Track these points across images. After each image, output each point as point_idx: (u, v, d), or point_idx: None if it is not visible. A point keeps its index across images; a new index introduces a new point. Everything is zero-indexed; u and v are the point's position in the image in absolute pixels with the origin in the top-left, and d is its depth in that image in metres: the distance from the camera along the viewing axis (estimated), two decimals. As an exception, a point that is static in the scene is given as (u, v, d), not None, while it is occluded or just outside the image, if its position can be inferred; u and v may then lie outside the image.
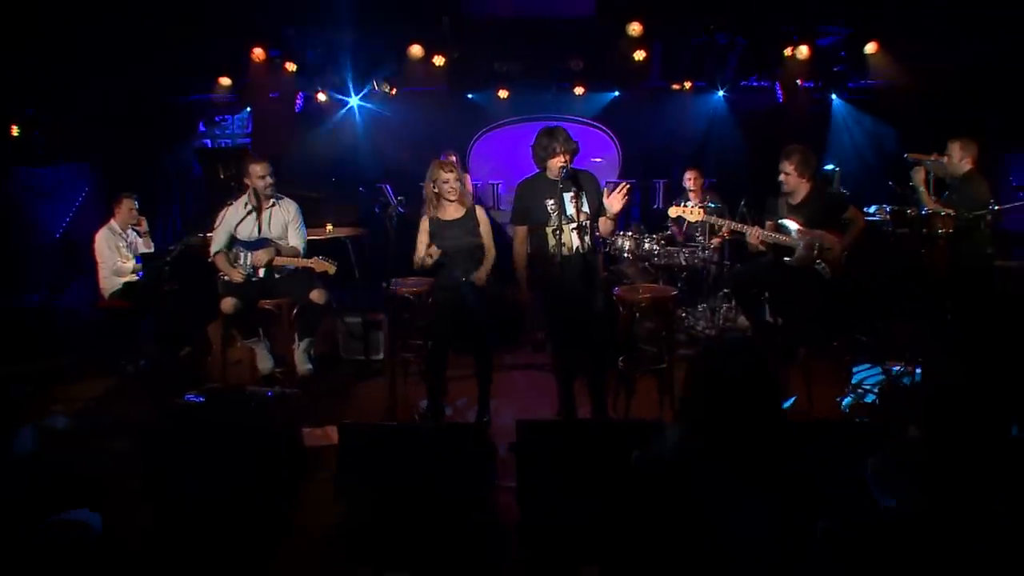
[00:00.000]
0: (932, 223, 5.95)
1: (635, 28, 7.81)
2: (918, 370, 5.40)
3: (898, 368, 5.74)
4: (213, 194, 8.36)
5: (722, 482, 2.29)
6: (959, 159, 6.35)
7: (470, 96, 9.87)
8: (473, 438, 3.96)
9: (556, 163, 4.86)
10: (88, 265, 9.76)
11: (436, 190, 5.33)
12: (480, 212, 5.49)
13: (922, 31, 8.21)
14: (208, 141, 10.85)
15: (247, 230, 5.96)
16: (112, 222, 7.47)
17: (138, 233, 7.67)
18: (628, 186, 5.01)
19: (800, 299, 5.85)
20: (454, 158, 8.80)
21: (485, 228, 5.44)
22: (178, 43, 8.76)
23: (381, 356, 7.12)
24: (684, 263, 7.62)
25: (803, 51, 8.36)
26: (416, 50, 8.14)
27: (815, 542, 2.42)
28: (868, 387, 5.76)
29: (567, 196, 4.91)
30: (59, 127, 9.59)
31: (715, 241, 7.69)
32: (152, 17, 8.14)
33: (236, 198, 6.07)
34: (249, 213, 5.92)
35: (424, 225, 5.43)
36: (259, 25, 8.61)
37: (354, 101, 9.80)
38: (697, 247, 7.65)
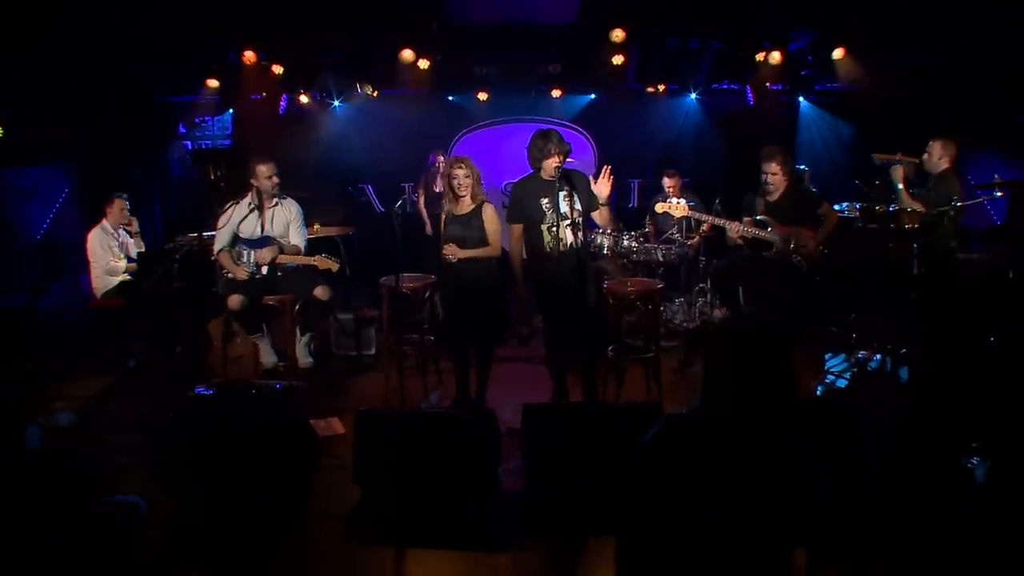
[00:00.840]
0: (899, 219, 6.31)
1: (618, 35, 8.10)
2: (887, 358, 5.76)
3: (867, 356, 6.10)
4: (207, 195, 8.44)
5: (739, 452, 2.56)
6: (938, 157, 6.71)
7: (451, 98, 10.10)
8: (482, 423, 4.20)
9: (551, 164, 5.12)
10: (70, 265, 9.87)
11: (451, 185, 5.53)
12: (487, 209, 5.59)
13: (884, 37, 8.58)
14: (188, 143, 10.95)
15: (250, 228, 6.14)
16: (104, 222, 7.57)
17: (129, 233, 7.77)
18: (611, 168, 5.29)
19: (777, 291, 6.18)
20: (442, 158, 8.99)
21: (491, 226, 5.55)
22: (160, 45, 8.81)
23: (373, 351, 7.34)
24: (661, 259, 7.92)
25: (775, 57, 8.71)
26: (407, 54, 8.33)
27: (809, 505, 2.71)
28: (839, 374, 6.11)
29: (561, 195, 5.17)
30: (39, 128, 9.60)
31: (693, 238, 8.00)
32: (134, 18, 8.16)
33: (241, 198, 6.23)
34: (252, 212, 6.10)
35: (443, 218, 5.66)
36: (244, 28, 8.69)
37: (336, 103, 9.99)
38: (674, 243, 7.97)
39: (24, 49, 8.34)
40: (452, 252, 5.43)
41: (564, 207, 5.21)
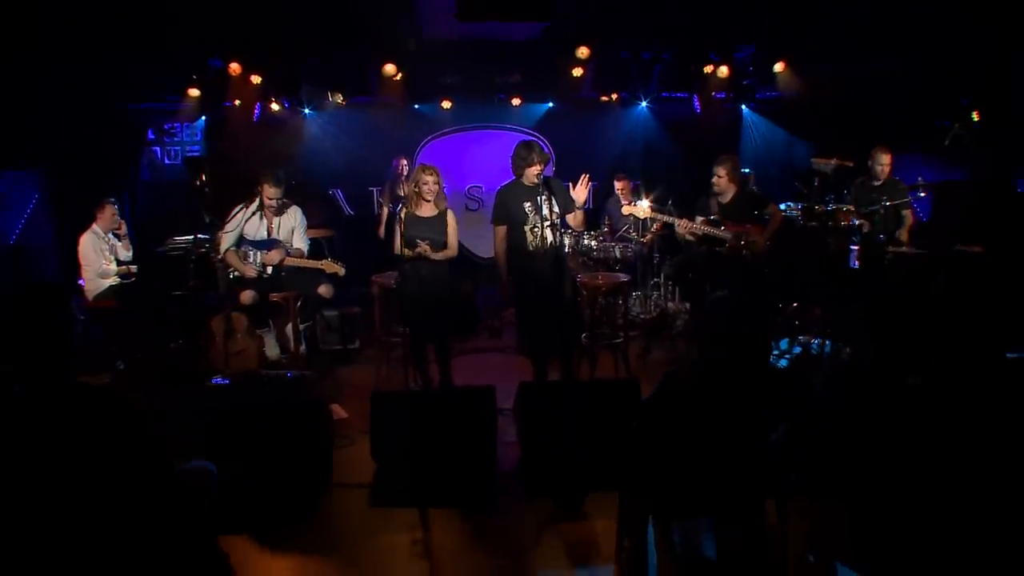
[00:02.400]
0: (836, 217, 7.09)
1: (583, 52, 8.74)
2: (827, 342, 6.50)
3: (808, 339, 6.84)
4: (189, 199, 8.76)
5: (724, 401, 3.20)
6: (887, 163, 7.62)
7: (416, 106, 10.61)
8: (483, 399, 4.79)
9: (533, 171, 5.73)
10: (43, 270, 10.12)
11: (416, 189, 6.07)
12: (451, 216, 6.19)
13: (820, 50, 9.34)
14: (157, 149, 11.25)
15: (256, 231, 6.62)
16: (95, 226, 7.84)
17: (118, 237, 8.05)
18: (588, 176, 5.91)
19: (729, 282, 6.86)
20: (404, 162, 9.58)
21: (452, 229, 6.16)
22: (132, 53, 9.07)
23: (356, 346, 7.86)
24: (619, 256, 8.56)
25: (723, 71, 9.46)
26: (390, 68, 8.85)
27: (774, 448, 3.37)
28: (785, 355, 6.83)
29: (542, 199, 5.78)
30: (7, 134, 9.79)
31: (647, 236, 8.67)
32: (105, 26, 8.36)
33: (250, 202, 6.68)
34: (260, 216, 6.58)
35: (401, 216, 6.15)
36: (224, 39, 9.04)
37: (307, 111, 10.44)
38: (630, 242, 8.64)
39: None
40: (425, 250, 5.91)
41: (545, 210, 5.82)
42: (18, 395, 2.63)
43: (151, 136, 11.19)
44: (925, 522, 3.88)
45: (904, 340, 4.02)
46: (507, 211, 5.91)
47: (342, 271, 6.60)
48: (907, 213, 7.64)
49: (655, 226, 8.33)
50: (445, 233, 6.09)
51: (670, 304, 8.72)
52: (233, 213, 6.61)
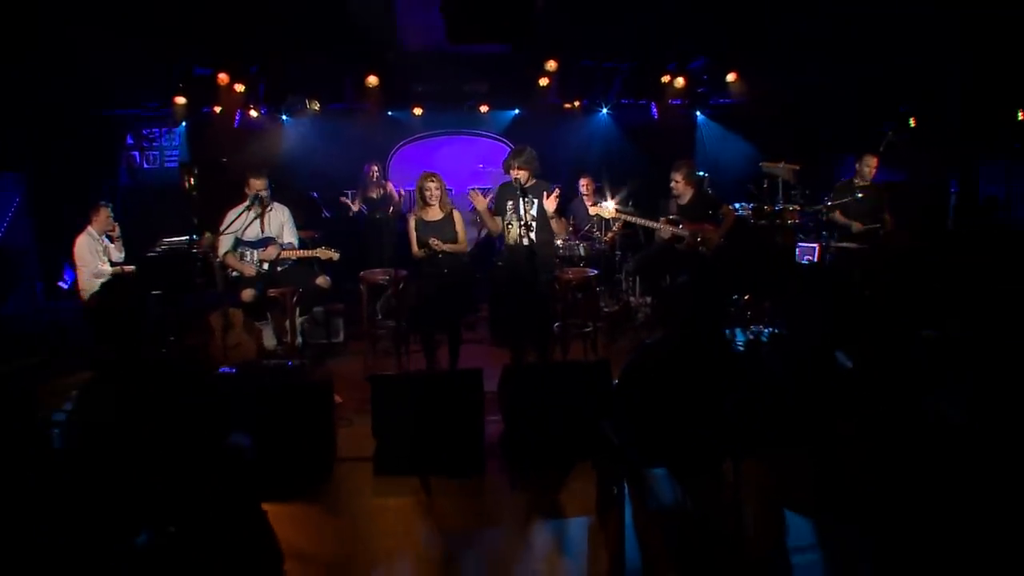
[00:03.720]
0: (783, 216, 7.80)
1: (551, 65, 9.36)
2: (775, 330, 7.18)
3: (759, 330, 7.52)
4: (177, 203, 9.16)
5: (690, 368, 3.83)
6: (874, 166, 8.31)
7: (390, 113, 11.16)
8: (472, 380, 5.37)
9: (514, 175, 6.34)
10: (26, 272, 10.45)
11: (420, 196, 6.71)
12: (457, 215, 6.87)
13: (770, 61, 10.06)
14: (136, 154, 11.64)
15: (252, 232, 7.12)
16: (90, 228, 8.19)
17: (111, 239, 8.45)
18: (559, 189, 6.53)
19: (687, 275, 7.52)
20: (375, 168, 10.15)
21: (460, 229, 6.83)
22: (114, 60, 9.33)
23: (340, 339, 8.39)
24: (583, 254, 9.17)
25: (679, 81, 10.16)
26: (372, 79, 9.39)
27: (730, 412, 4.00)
28: (737, 343, 7.50)
29: (522, 200, 6.38)
30: None
31: (609, 236, 9.29)
32: (87, 33, 8.49)
33: (239, 204, 7.17)
34: (253, 217, 7.08)
35: (412, 223, 6.78)
36: (210, 49, 9.43)
37: (285, 117, 10.93)
38: (593, 240, 9.27)
39: None
40: (438, 245, 6.55)
41: (521, 210, 6.42)
42: (107, 365, 3.15)
43: (130, 141, 11.56)
44: (856, 469, 4.58)
45: (837, 321, 4.70)
46: (500, 206, 6.61)
47: (336, 256, 7.11)
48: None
49: (616, 225, 8.95)
50: (455, 231, 6.73)
51: (632, 299, 9.35)
52: (228, 218, 7.08)
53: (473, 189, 6.52)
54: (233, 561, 3.51)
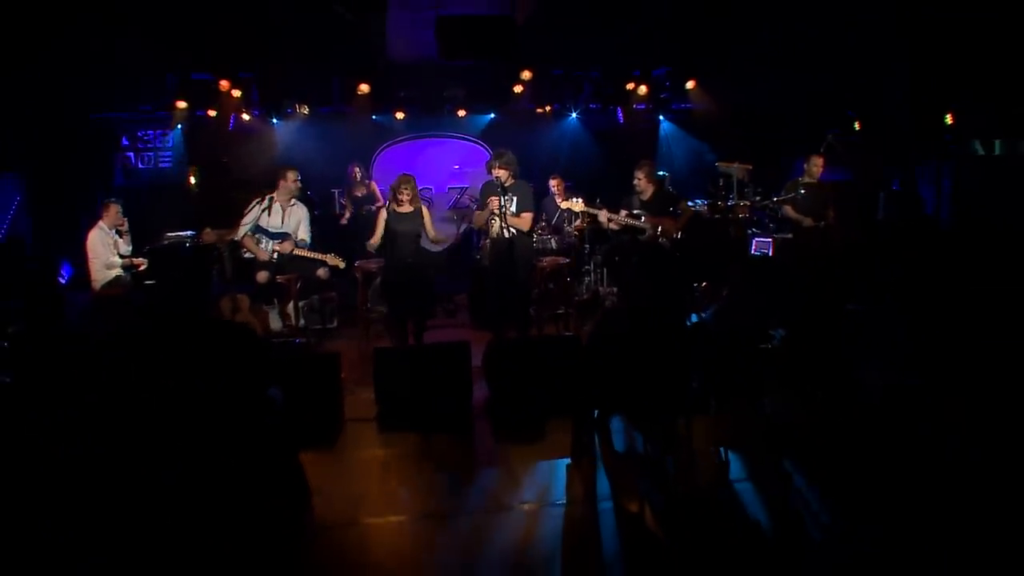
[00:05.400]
0: (735, 211, 8.70)
1: (526, 75, 10.20)
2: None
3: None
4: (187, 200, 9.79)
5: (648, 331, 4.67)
6: (820, 165, 9.15)
7: (374, 117, 11.92)
8: (462, 350, 6.18)
9: (495, 174, 7.14)
10: (26, 266, 10.98)
11: (397, 192, 7.48)
12: (425, 210, 7.65)
13: (727, 69, 10.94)
14: (131, 154, 12.24)
15: (274, 222, 7.94)
16: (101, 223, 8.84)
17: (119, 233, 9.11)
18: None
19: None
20: (358, 169, 10.96)
21: (428, 220, 7.62)
22: (110, 66, 9.97)
23: (334, 325, 9.14)
24: (554, 247, 10.00)
25: (643, 89, 11.03)
26: (364, 87, 10.16)
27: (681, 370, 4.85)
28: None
29: (503, 198, 7.18)
30: None
31: (576, 225, 10.07)
32: (87, 37, 9.05)
33: (265, 197, 7.93)
34: (270, 208, 7.85)
35: (382, 215, 7.55)
36: (199, 52, 10.09)
37: (275, 120, 11.64)
38: (564, 235, 10.09)
39: None
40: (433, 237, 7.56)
41: (503, 207, 7.22)
42: (174, 325, 3.90)
43: (125, 143, 12.16)
44: (789, 424, 5.48)
45: (772, 299, 5.59)
46: (482, 202, 7.39)
47: (342, 264, 7.91)
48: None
49: (581, 219, 9.73)
50: (421, 223, 7.50)
51: (600, 288, 10.18)
52: (252, 205, 7.82)
53: (493, 197, 7.28)
54: (274, 492, 4.28)
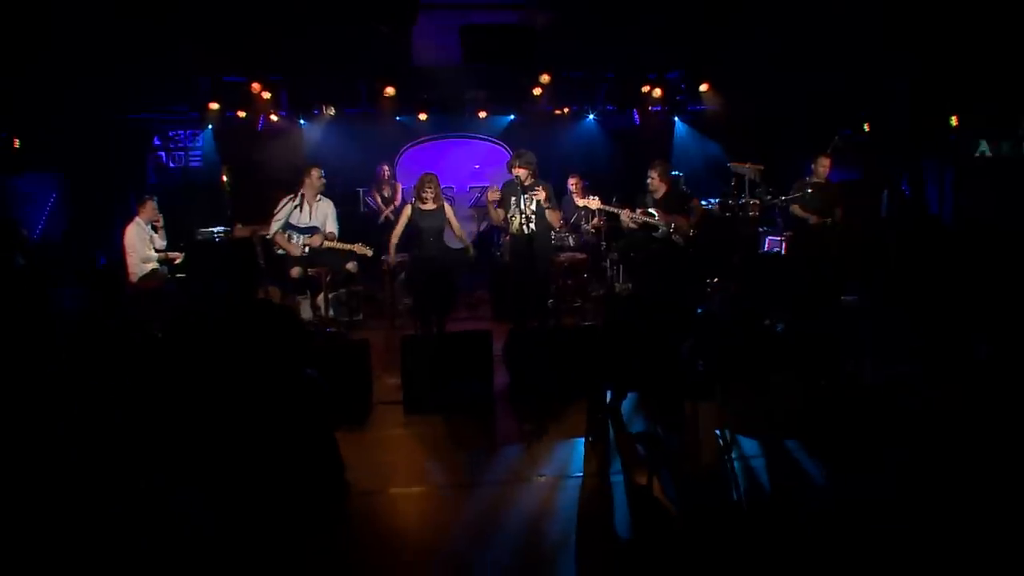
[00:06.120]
0: (745, 209, 9.04)
1: (545, 78, 10.59)
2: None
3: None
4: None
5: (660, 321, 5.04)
6: (827, 166, 9.45)
7: (398, 118, 12.34)
8: (483, 338, 6.58)
9: (514, 173, 7.53)
10: (61, 261, 11.38)
11: (421, 190, 7.90)
12: (448, 207, 8.16)
13: (739, 72, 11.25)
14: (162, 154, 12.71)
15: (303, 219, 8.38)
16: (138, 218, 9.21)
17: (155, 228, 9.52)
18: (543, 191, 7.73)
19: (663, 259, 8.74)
20: (386, 168, 11.35)
21: (451, 215, 8.15)
22: (144, 68, 10.41)
23: (360, 317, 9.55)
24: (572, 244, 10.37)
25: (657, 92, 11.38)
26: (390, 90, 10.59)
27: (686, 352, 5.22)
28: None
29: (523, 196, 7.56)
30: (30, 139, 11.02)
31: (593, 222, 10.42)
32: (119, 41, 9.47)
33: (295, 195, 8.33)
34: (301, 206, 8.29)
35: (406, 211, 7.99)
36: (231, 57, 10.51)
37: (303, 121, 12.09)
38: (581, 233, 10.45)
39: (16, 71, 9.60)
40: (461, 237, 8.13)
41: (522, 205, 7.61)
42: (225, 307, 4.33)
43: (157, 142, 12.63)
44: (790, 407, 5.87)
45: (770, 290, 5.98)
46: (505, 200, 7.80)
47: (370, 252, 8.36)
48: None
49: (597, 217, 10.09)
50: (444, 219, 7.93)
51: (616, 284, 10.53)
52: (282, 204, 8.24)
53: (493, 187, 7.71)
54: (311, 465, 4.69)
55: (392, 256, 8.49)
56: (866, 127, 11.82)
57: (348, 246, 8.40)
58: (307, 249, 8.19)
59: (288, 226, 8.33)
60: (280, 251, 8.31)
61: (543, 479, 5.00)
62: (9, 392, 4.26)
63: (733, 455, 5.29)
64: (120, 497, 4.07)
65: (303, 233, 8.34)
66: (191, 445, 4.26)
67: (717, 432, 5.51)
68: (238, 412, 4.29)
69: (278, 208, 8.23)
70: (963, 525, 4.21)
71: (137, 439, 4.18)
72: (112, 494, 4.08)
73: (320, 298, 8.33)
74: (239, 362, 4.29)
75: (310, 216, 8.48)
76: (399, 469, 5.29)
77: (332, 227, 8.58)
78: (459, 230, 8.13)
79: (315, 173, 8.56)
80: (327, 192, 8.92)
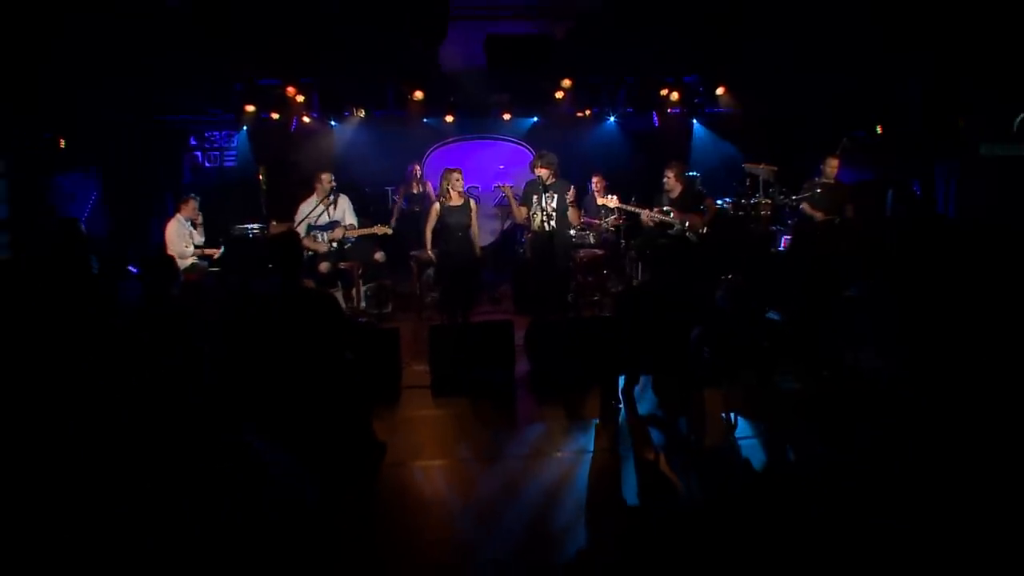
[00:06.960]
0: (757, 208, 9.41)
1: (567, 82, 11.02)
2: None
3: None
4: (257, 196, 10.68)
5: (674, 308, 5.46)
6: (835, 167, 9.82)
7: (425, 120, 12.80)
8: (506, 328, 7.02)
9: (537, 172, 7.96)
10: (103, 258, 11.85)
11: (448, 186, 8.34)
12: (473, 204, 8.58)
13: (754, 76, 11.59)
14: (199, 154, 13.23)
15: (323, 218, 8.87)
16: (179, 216, 9.76)
17: (194, 225, 10.04)
18: (574, 188, 8.15)
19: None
20: (418, 167, 11.80)
21: (475, 214, 8.54)
22: (183, 72, 10.87)
23: (389, 310, 10.00)
24: (592, 241, 10.76)
25: (675, 95, 11.76)
26: (418, 94, 11.07)
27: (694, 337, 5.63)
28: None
29: (545, 195, 8.00)
30: (72, 139, 11.48)
31: (612, 220, 10.79)
32: (163, 48, 9.87)
33: (309, 196, 8.93)
34: (321, 205, 8.80)
35: (435, 208, 8.43)
36: (265, 60, 10.93)
37: (334, 123, 12.58)
38: (602, 230, 10.84)
39: (62, 75, 9.97)
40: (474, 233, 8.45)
41: (544, 203, 8.04)
42: (270, 292, 4.80)
43: (193, 143, 13.16)
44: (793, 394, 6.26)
45: (774, 283, 6.38)
46: (527, 198, 8.24)
47: (390, 231, 8.95)
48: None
49: (617, 215, 10.46)
50: (470, 216, 8.37)
51: (634, 280, 10.90)
52: (301, 209, 8.77)
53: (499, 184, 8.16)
54: (352, 442, 5.15)
55: (428, 250, 8.92)
56: (879, 129, 12.10)
57: (367, 230, 8.92)
58: (333, 245, 8.68)
59: (311, 227, 8.83)
60: (310, 253, 8.79)
61: (559, 454, 5.43)
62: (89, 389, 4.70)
63: (736, 436, 5.69)
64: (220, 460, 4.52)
65: (325, 230, 8.85)
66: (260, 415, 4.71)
67: (723, 415, 5.92)
68: (296, 387, 4.74)
69: (297, 214, 8.76)
70: (958, 507, 4.50)
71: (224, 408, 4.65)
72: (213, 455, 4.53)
73: (353, 291, 8.81)
74: (296, 343, 4.75)
75: (329, 214, 8.98)
76: (426, 444, 5.73)
77: (351, 219, 9.12)
78: (476, 230, 8.53)
79: (325, 177, 9.06)
80: (351, 191, 9.42)
